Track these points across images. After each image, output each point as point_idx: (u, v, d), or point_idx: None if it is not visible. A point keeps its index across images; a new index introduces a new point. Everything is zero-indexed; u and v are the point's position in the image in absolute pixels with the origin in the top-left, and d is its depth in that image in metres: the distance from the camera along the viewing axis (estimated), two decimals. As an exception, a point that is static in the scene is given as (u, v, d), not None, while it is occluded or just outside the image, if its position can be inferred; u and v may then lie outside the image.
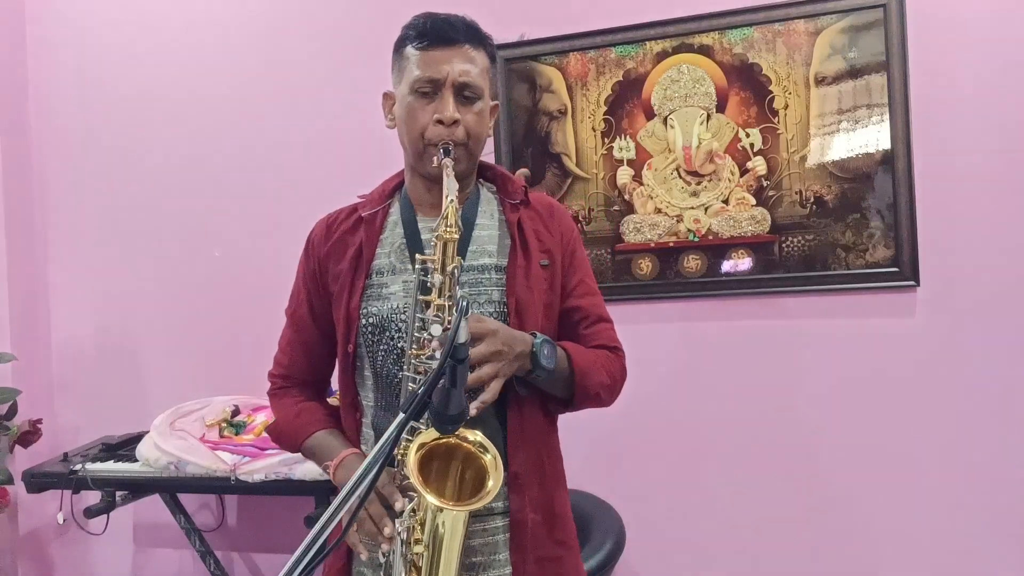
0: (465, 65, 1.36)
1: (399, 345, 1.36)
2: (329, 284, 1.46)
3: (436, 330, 1.25)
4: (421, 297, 1.29)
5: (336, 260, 1.45)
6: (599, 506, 2.36)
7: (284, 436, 1.51)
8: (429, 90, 1.35)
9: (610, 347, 1.46)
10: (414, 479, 1.19)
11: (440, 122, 1.34)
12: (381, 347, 1.38)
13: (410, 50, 1.38)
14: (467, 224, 1.40)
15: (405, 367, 1.30)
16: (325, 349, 1.50)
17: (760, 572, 2.47)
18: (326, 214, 1.52)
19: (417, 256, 1.32)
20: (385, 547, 1.24)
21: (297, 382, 1.53)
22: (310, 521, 2.32)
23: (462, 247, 1.36)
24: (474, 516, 1.28)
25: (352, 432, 1.44)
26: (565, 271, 1.45)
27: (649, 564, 2.54)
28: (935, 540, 2.33)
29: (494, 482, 1.22)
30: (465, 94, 1.36)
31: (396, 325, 1.37)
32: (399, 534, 1.22)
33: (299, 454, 1.52)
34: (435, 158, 1.34)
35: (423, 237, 1.41)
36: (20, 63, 3.10)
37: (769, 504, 2.46)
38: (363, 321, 1.40)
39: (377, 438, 1.40)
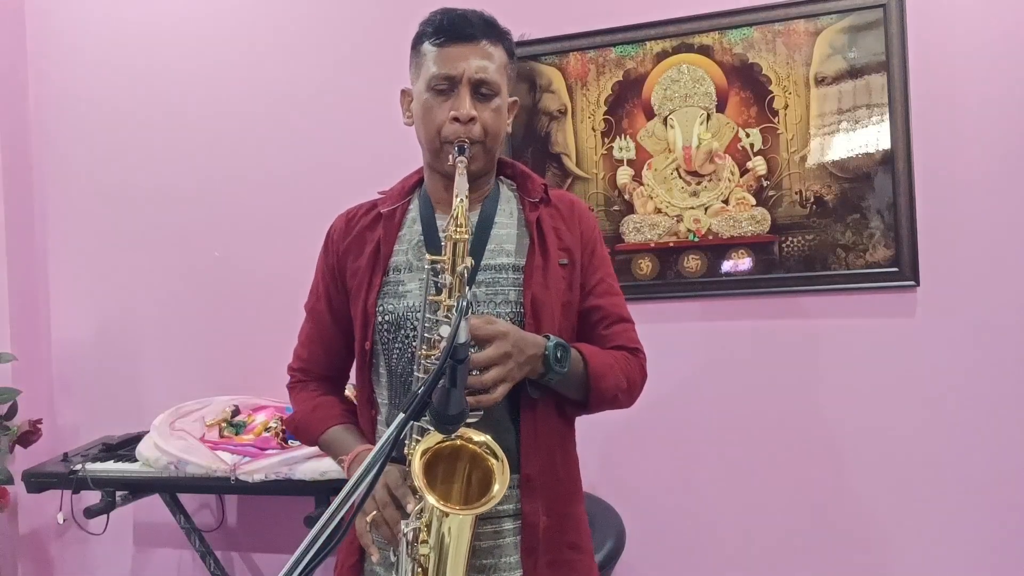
0: (482, 62, 1.34)
1: (414, 344, 1.35)
2: (348, 280, 1.45)
3: (444, 331, 1.23)
4: (432, 297, 1.28)
5: (355, 256, 1.44)
6: (599, 506, 2.36)
7: (301, 430, 1.52)
8: (445, 87, 1.34)
9: (629, 348, 1.44)
10: (419, 482, 1.18)
11: (456, 119, 1.33)
12: (396, 345, 1.38)
13: (427, 47, 1.36)
14: (486, 222, 1.39)
15: (415, 367, 1.29)
16: (343, 344, 1.50)
17: (760, 572, 2.47)
18: (345, 209, 1.52)
19: (427, 256, 1.30)
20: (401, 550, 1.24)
21: (315, 376, 1.54)
22: (310, 521, 2.32)
23: (480, 246, 1.35)
24: (484, 518, 1.27)
25: (368, 428, 1.44)
26: (585, 270, 1.43)
27: (649, 564, 2.54)
28: (935, 539, 2.33)
29: (500, 485, 1.21)
30: (482, 91, 1.35)
31: (411, 323, 1.36)
32: (404, 535, 1.21)
33: (301, 453, 1.53)
34: (450, 156, 1.33)
35: (441, 235, 1.39)
36: (20, 63, 3.10)
37: (769, 503, 2.46)
38: (379, 318, 1.39)
39: None
